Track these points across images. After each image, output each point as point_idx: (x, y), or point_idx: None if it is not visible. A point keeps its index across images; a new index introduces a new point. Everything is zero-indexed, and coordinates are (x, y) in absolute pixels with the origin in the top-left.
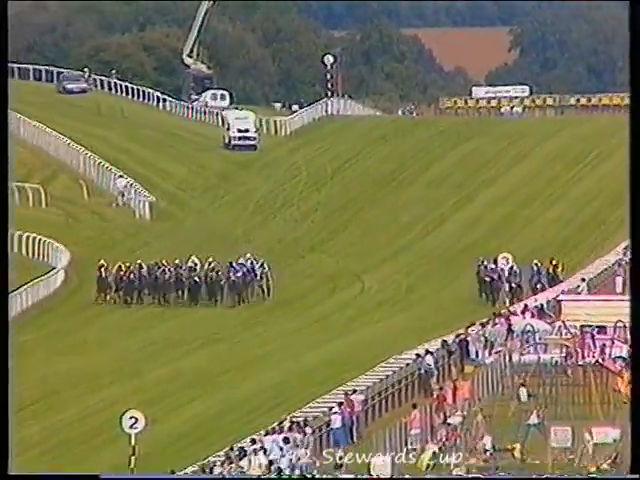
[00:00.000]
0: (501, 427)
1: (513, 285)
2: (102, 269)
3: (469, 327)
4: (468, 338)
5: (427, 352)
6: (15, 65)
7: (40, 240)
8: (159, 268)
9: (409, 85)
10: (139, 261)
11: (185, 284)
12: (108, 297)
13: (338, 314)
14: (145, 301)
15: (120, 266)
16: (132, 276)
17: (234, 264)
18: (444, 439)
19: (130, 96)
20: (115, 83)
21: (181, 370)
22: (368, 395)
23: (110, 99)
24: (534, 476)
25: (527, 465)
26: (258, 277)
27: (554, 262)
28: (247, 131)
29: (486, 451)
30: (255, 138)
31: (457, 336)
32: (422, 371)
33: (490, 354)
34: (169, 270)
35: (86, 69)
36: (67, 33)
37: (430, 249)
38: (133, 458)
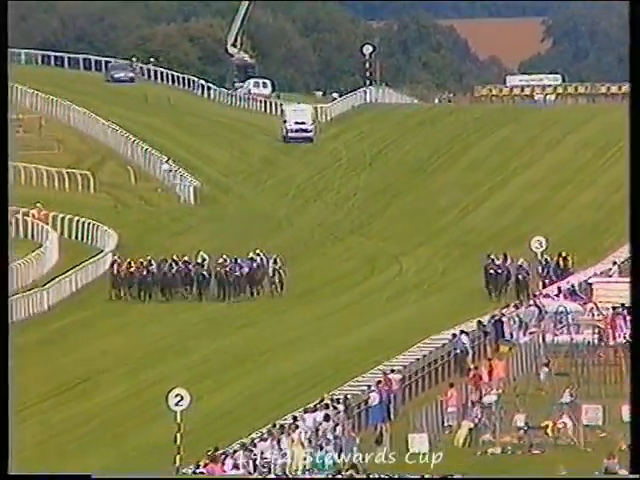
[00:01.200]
0: (534, 405)
1: (520, 279)
2: (115, 265)
3: (504, 308)
4: (503, 319)
5: (463, 332)
6: (65, 55)
7: (89, 224)
8: (168, 264)
9: (445, 74)
10: (148, 257)
11: (194, 279)
12: (122, 293)
13: (377, 295)
14: (153, 298)
15: (130, 262)
16: (145, 272)
17: (239, 260)
18: (480, 417)
19: (176, 84)
20: (161, 72)
21: (224, 350)
22: (405, 374)
23: (156, 87)
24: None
25: (560, 443)
26: (270, 273)
27: (564, 255)
28: (304, 123)
29: (520, 429)
30: (311, 130)
31: (492, 317)
32: (458, 351)
33: (524, 334)
34: (178, 265)
35: (134, 58)
36: (115, 24)
37: (465, 232)
38: (179, 435)
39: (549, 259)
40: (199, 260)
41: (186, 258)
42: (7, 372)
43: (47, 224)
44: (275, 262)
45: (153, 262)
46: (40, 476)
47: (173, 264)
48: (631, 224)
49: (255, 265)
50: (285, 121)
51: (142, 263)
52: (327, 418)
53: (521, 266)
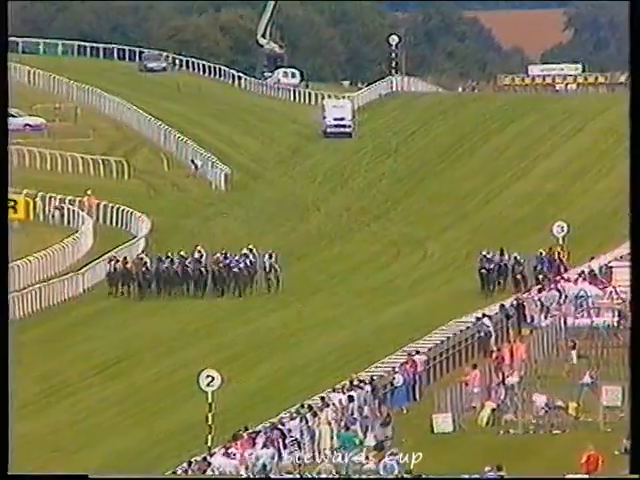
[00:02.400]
0: (555, 386)
1: (517, 276)
2: (112, 263)
3: (526, 292)
4: (525, 303)
5: (486, 315)
6: (100, 45)
7: (124, 210)
8: (163, 261)
9: (469, 63)
10: (142, 255)
11: (191, 276)
12: (120, 290)
13: (402, 278)
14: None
15: (125, 258)
16: (144, 269)
17: (234, 256)
18: (502, 397)
19: (207, 74)
20: (193, 62)
21: (253, 333)
22: (430, 356)
23: (188, 77)
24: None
25: (580, 423)
26: (267, 269)
27: (558, 250)
28: (343, 119)
29: (541, 409)
30: (350, 126)
31: (515, 300)
32: (481, 333)
33: (546, 318)
34: (176, 262)
35: (165, 52)
36: (148, 15)
37: (489, 218)
38: (210, 415)
39: (544, 255)
40: (197, 256)
41: (183, 254)
42: (7, 371)
43: (94, 211)
44: (270, 258)
45: (147, 259)
46: (39, 476)
47: (174, 260)
48: (631, 221)
49: (248, 261)
50: (325, 117)
51: (141, 259)
52: (352, 398)
53: (517, 261)
